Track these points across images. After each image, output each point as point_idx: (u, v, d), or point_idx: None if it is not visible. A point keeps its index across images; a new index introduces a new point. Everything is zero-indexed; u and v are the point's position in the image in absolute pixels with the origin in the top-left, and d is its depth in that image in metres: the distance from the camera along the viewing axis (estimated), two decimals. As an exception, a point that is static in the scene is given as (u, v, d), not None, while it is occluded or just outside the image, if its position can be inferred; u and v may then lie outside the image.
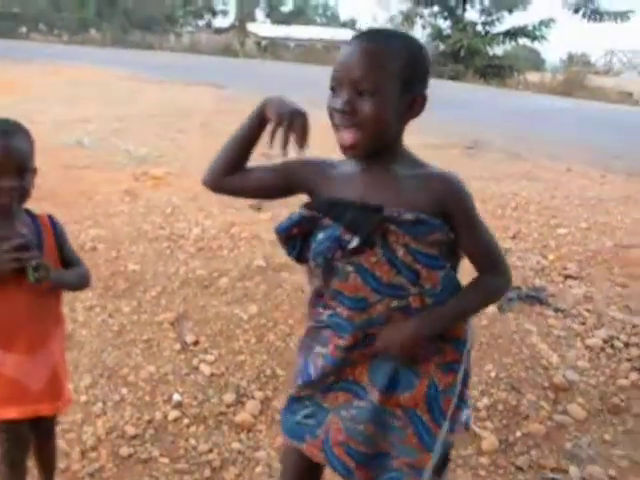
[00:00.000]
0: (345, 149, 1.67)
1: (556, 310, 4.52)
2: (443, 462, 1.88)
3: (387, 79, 1.60)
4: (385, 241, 1.65)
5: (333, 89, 1.67)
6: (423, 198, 1.67)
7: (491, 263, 1.79)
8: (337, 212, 1.68)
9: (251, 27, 47.79)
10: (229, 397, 3.31)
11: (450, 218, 1.69)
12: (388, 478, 1.85)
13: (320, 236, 1.71)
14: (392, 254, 1.66)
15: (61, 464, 2.79)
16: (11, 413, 2.15)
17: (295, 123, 1.71)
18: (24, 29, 43.51)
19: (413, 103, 1.66)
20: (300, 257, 1.82)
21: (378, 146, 1.67)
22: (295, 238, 1.79)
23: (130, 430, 3.03)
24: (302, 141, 1.71)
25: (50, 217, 2.22)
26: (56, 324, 2.24)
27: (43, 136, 8.95)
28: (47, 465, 2.51)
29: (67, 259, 2.21)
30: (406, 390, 1.78)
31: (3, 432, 2.22)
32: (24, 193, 2.06)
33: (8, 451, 2.26)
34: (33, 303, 2.12)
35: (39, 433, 2.39)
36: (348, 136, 1.64)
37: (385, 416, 1.81)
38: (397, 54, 1.62)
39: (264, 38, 46.50)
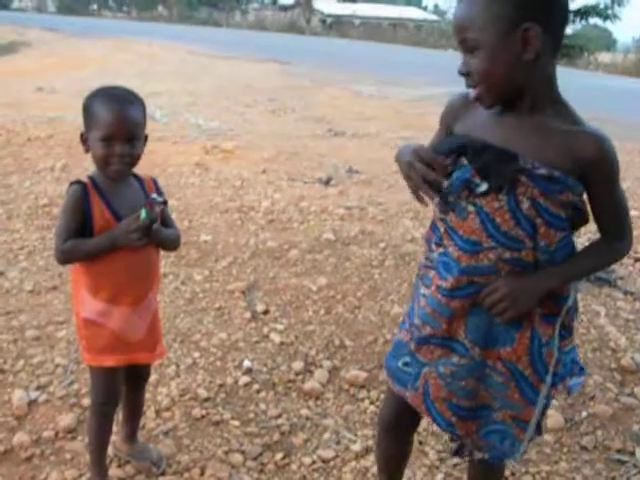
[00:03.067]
0: (477, 102, 1.69)
1: (625, 293, 4.48)
2: (542, 415, 1.88)
3: (485, 28, 1.58)
4: (513, 190, 1.63)
5: (460, 50, 1.68)
6: (565, 155, 1.62)
7: (618, 228, 1.77)
8: (472, 153, 1.66)
9: (316, 4, 47.59)
10: (298, 365, 3.37)
11: (589, 180, 1.65)
12: (492, 430, 1.86)
13: (454, 174, 1.68)
14: (517, 204, 1.63)
15: (137, 422, 2.91)
16: (109, 361, 2.27)
17: (412, 175, 1.68)
18: (95, 6, 44.22)
19: (526, 39, 1.57)
20: None
21: (506, 95, 1.65)
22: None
23: (202, 393, 3.11)
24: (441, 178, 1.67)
25: (154, 180, 2.33)
26: (156, 280, 2.37)
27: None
28: (135, 414, 2.63)
29: (165, 222, 2.29)
30: (507, 344, 1.76)
31: (100, 380, 2.35)
32: (135, 159, 2.15)
33: (101, 400, 2.38)
34: (141, 260, 2.24)
35: (132, 382, 2.50)
36: (474, 93, 1.66)
37: (486, 370, 1.80)
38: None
39: (329, 15, 46.36)
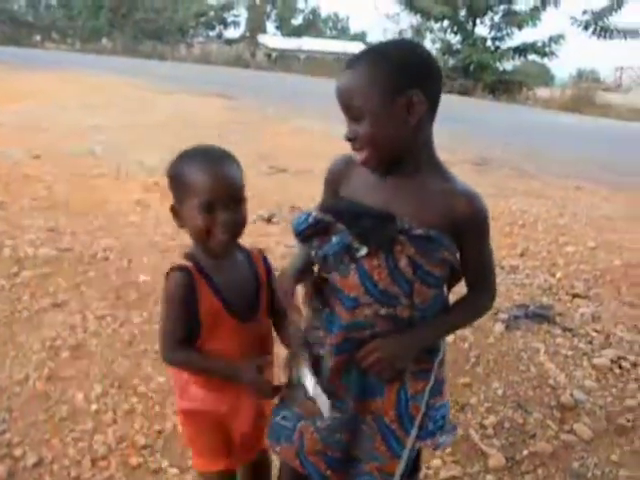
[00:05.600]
0: (363, 165, 1.73)
1: (564, 329, 4.53)
2: (414, 468, 1.93)
3: (370, 97, 1.64)
4: (390, 249, 1.68)
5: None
6: (441, 214, 1.69)
7: (483, 281, 1.85)
8: (350, 219, 1.71)
9: (262, 39, 48.02)
10: (238, 410, 3.32)
11: (461, 236, 1.72)
12: None
13: (333, 240, 1.74)
14: (394, 263, 1.69)
15: (72, 472, 2.82)
16: (215, 466, 2.06)
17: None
18: (38, 37, 43.88)
19: (410, 105, 1.65)
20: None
21: (392, 158, 1.71)
22: (310, 237, 1.82)
23: (140, 440, 3.05)
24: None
25: (261, 252, 2.08)
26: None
27: (56, 144, 9.04)
28: None
29: (276, 298, 2.01)
30: (376, 396, 1.82)
31: None
32: (240, 227, 1.90)
33: None
34: (253, 333, 2.00)
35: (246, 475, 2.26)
36: (359, 156, 1.71)
37: (357, 423, 1.85)
38: (375, 69, 1.65)
39: (274, 50, 46.75)
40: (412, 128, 1.67)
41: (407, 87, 1.64)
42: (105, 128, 10.39)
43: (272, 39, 50.47)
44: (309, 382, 1.83)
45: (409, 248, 1.67)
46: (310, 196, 7.10)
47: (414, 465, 1.93)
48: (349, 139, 1.71)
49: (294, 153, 10.09)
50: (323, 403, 1.82)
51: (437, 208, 1.70)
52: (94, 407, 3.26)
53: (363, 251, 1.69)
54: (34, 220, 5.78)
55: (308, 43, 49.46)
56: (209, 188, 1.80)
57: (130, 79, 18.96)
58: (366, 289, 1.71)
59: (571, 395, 3.66)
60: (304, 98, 16.71)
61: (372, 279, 1.70)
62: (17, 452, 2.90)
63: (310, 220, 1.78)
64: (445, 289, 1.84)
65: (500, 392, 3.67)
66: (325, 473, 1.88)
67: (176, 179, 1.89)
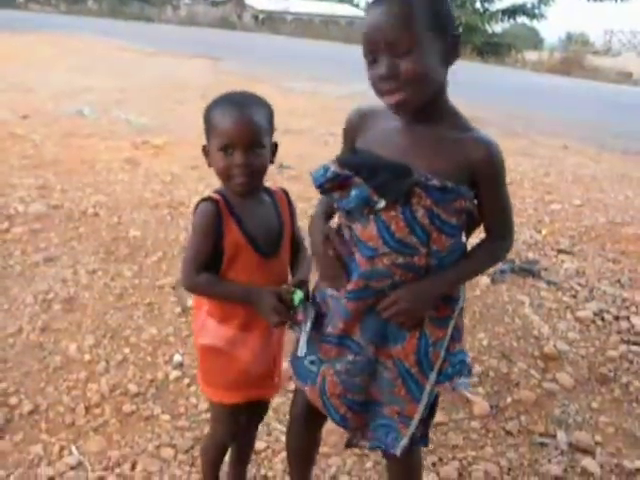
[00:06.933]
0: (395, 108, 1.71)
1: (548, 283, 4.62)
2: (430, 413, 1.98)
3: (420, 32, 1.62)
4: (408, 200, 1.70)
5: (370, 58, 1.69)
6: (457, 163, 1.70)
7: (503, 227, 1.86)
8: (367, 173, 1.72)
9: (248, 0, 47.41)
10: (229, 359, 3.38)
11: (478, 183, 1.73)
12: (380, 424, 1.95)
13: (352, 193, 1.75)
14: (412, 214, 1.70)
15: (67, 419, 2.89)
16: (235, 397, 2.12)
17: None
18: (22, -1, 43.17)
19: (455, 44, 1.69)
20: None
21: (426, 101, 1.70)
22: (331, 190, 1.81)
23: (133, 388, 3.11)
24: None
25: (285, 192, 2.14)
26: None
27: (44, 105, 9.00)
28: (246, 456, 2.50)
29: (295, 236, 2.13)
30: (397, 342, 1.84)
31: (221, 418, 2.22)
32: (259, 170, 1.94)
33: (222, 440, 2.28)
34: (275, 273, 2.05)
35: (250, 416, 2.32)
36: (394, 98, 1.67)
37: (378, 367, 1.89)
38: (421, 4, 1.64)
39: (261, 11, 46.19)
40: (446, 69, 1.70)
41: (452, 26, 1.69)
42: (93, 89, 10.32)
43: (259, 0, 49.83)
44: (305, 329, 1.92)
45: (426, 199, 1.69)
46: (298, 154, 7.12)
47: (430, 411, 1.97)
48: (387, 77, 1.65)
49: (281, 113, 10.02)
50: (302, 345, 1.93)
51: (454, 158, 1.70)
52: (87, 357, 3.32)
53: (381, 204, 1.71)
54: (23, 179, 5.80)
55: (296, 5, 48.84)
56: (228, 131, 1.87)
57: (117, 41, 18.79)
58: (384, 240, 1.73)
59: (554, 346, 3.75)
60: (291, 60, 16.62)
61: (390, 230, 1.72)
62: (13, 400, 2.96)
63: (329, 174, 1.77)
64: (464, 237, 1.85)
65: (485, 342, 3.74)
66: (345, 415, 1.94)
67: (206, 121, 1.96)
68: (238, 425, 2.23)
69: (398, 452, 1.94)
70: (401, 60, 1.63)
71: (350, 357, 1.88)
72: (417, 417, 1.90)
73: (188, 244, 2.03)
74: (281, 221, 2.06)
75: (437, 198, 1.68)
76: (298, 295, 1.91)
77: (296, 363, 2.06)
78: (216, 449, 2.32)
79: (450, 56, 1.69)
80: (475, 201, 1.76)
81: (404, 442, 1.93)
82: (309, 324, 1.93)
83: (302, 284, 1.99)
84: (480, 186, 1.74)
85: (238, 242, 1.95)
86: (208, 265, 1.96)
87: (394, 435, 1.94)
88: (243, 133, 1.87)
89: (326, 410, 1.97)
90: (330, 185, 1.78)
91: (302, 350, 1.95)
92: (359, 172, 1.73)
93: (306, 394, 2.03)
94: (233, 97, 1.96)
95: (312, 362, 1.99)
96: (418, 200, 1.69)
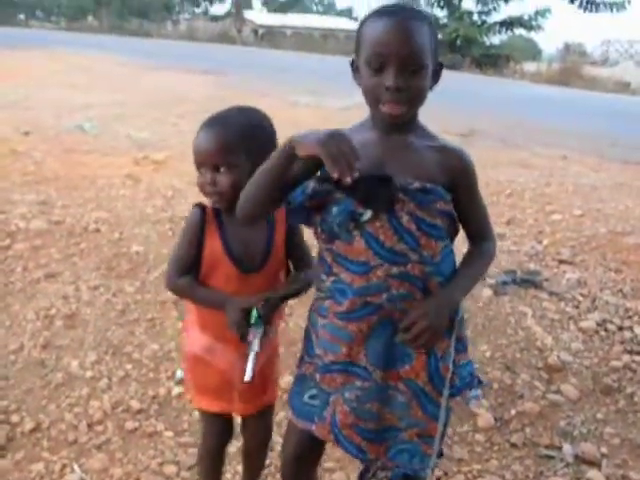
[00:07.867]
0: (391, 118, 1.73)
1: (550, 294, 4.61)
2: (444, 432, 1.94)
3: (428, 53, 1.69)
4: (391, 208, 1.71)
5: (377, 66, 1.68)
6: (434, 168, 1.75)
7: (486, 229, 1.92)
8: (350, 185, 1.65)
9: (248, 15, 47.59)
10: (231, 374, 3.37)
11: (455, 189, 1.77)
12: (400, 449, 1.90)
13: (334, 210, 1.75)
14: (397, 220, 1.71)
15: (69, 437, 2.87)
16: (212, 406, 2.15)
17: (343, 146, 1.59)
18: (22, 16, 43.38)
19: (439, 71, 1.77)
20: (308, 222, 1.86)
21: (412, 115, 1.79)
22: (307, 209, 1.81)
23: (135, 405, 3.10)
24: (357, 157, 1.60)
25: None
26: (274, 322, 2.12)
27: (45, 121, 9.01)
28: (252, 462, 2.44)
29: (296, 253, 2.12)
30: (405, 362, 1.82)
31: (204, 423, 2.27)
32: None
33: (205, 440, 2.30)
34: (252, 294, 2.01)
35: (246, 429, 2.33)
36: (399, 110, 1.70)
37: (389, 391, 1.85)
38: (426, 27, 1.70)
39: (260, 26, 46.37)
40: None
41: (439, 54, 1.77)
42: (93, 105, 10.34)
43: (258, 15, 50.04)
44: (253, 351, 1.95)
45: (409, 204, 1.70)
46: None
47: (445, 425, 1.93)
48: (396, 89, 1.66)
49: (287, 125, 10.03)
50: (247, 368, 1.94)
51: (430, 163, 1.75)
52: (89, 374, 3.31)
53: (367, 215, 1.71)
54: (25, 195, 5.79)
55: (294, 19, 49.12)
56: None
57: (117, 57, 18.83)
58: (374, 251, 1.73)
59: (558, 357, 3.73)
60: (291, 74, 16.66)
61: (379, 240, 1.72)
62: (14, 418, 2.95)
63: (308, 191, 1.77)
64: (451, 245, 1.85)
65: (488, 354, 3.73)
66: (360, 445, 1.89)
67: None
68: (218, 432, 2.26)
69: (428, 473, 1.91)
70: (412, 76, 1.67)
71: (358, 383, 1.84)
72: (438, 435, 1.87)
73: (174, 246, 2.08)
74: (271, 239, 2.05)
75: (419, 200, 1.71)
76: (254, 313, 1.92)
77: (294, 402, 2.02)
78: (208, 456, 2.34)
79: (434, 81, 1.76)
80: (451, 205, 1.78)
81: (432, 462, 1.90)
82: (256, 345, 1.94)
83: (265, 301, 1.96)
84: (459, 191, 1.78)
85: (216, 253, 1.98)
86: (192, 269, 2.00)
87: (419, 457, 1.90)
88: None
89: (339, 444, 1.91)
90: (309, 203, 1.78)
91: (248, 374, 1.94)
92: (339, 186, 1.70)
93: (304, 433, 1.99)
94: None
95: (312, 397, 1.95)
96: (401, 206, 1.71)
